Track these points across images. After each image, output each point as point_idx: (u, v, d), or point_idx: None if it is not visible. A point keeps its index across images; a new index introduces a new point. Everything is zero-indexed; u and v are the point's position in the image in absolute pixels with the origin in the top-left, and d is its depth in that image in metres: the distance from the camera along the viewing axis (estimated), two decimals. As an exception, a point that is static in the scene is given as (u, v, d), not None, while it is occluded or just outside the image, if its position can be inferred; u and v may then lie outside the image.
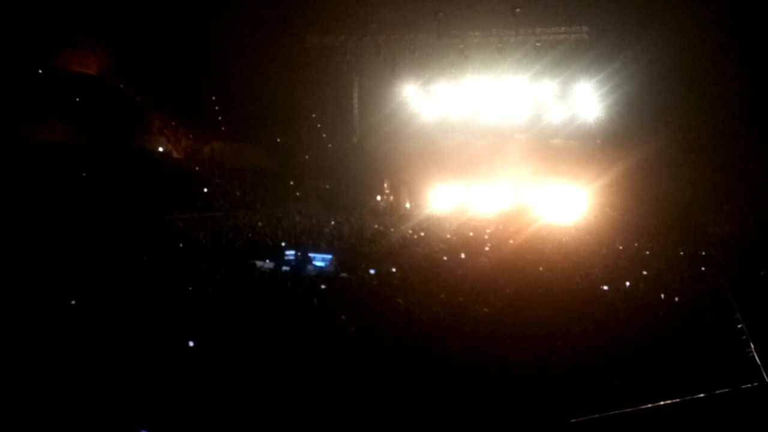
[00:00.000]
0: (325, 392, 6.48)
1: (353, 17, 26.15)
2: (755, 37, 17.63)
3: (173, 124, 35.09)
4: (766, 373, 6.45)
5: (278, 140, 35.64)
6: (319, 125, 34.13)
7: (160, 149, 34.68)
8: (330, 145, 34.14)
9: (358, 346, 7.85)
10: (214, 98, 33.14)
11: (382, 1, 25.22)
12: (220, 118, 34.24)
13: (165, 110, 34.00)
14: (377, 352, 7.61)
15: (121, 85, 32.07)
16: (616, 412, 5.56)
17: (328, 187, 34.42)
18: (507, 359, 7.58)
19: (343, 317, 8.80)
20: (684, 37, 18.64)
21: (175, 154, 35.18)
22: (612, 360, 7.48)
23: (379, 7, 25.42)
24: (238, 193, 33.73)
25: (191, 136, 35.37)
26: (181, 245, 16.81)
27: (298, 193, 35.23)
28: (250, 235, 19.63)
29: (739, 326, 9.15)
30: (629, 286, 12.15)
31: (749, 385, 5.64)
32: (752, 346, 7.73)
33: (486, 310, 9.57)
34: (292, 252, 15.85)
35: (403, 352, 7.64)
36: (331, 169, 33.58)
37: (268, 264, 14.60)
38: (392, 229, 22.66)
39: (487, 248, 17.86)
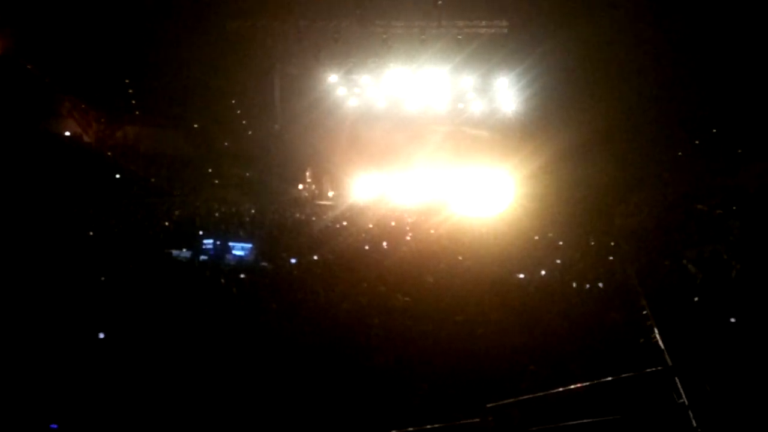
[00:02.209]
0: (246, 384, 6.37)
1: (275, 2, 25.68)
2: (666, 33, 18.49)
3: (84, 106, 33.45)
4: (669, 358, 6.81)
5: (196, 126, 34.62)
6: (239, 111, 33.38)
7: (69, 133, 33.01)
8: (250, 132, 33.49)
9: (278, 336, 7.76)
10: (128, 81, 31.81)
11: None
12: (134, 101, 32.91)
13: (75, 92, 32.36)
14: (298, 342, 7.54)
15: (29, 66, 30.32)
16: (530, 396, 5.73)
17: (248, 174, 33.79)
18: (428, 347, 7.68)
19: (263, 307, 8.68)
20: (597, 34, 19.35)
21: (85, 138, 33.56)
22: (527, 346, 7.70)
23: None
24: (153, 180, 32.58)
25: (103, 119, 33.81)
26: (92, 234, 16.10)
27: (216, 181, 34.38)
28: (166, 223, 19.05)
29: (645, 312, 9.62)
30: (544, 274, 12.55)
31: (653, 369, 5.91)
32: (656, 331, 8.13)
33: (407, 299, 9.66)
34: (210, 241, 15.50)
35: (324, 341, 7.61)
36: (251, 157, 32.97)
37: (185, 253, 14.22)
38: (314, 218, 22.55)
39: (408, 238, 18.02)
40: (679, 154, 25.30)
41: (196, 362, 6.75)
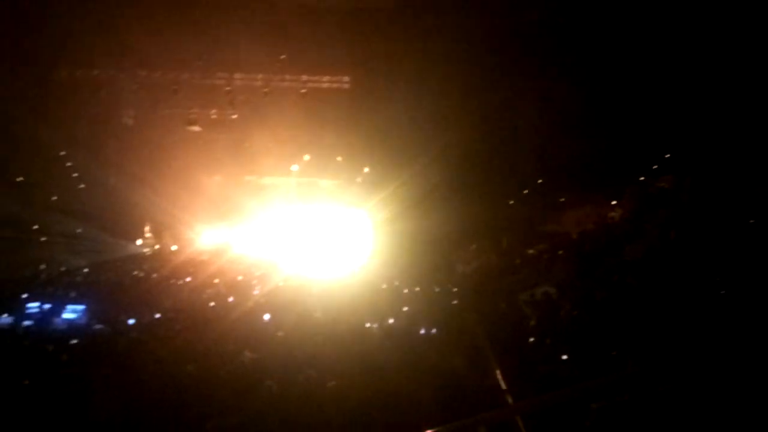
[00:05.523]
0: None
1: (110, 51, 24.59)
2: (503, 88, 19.86)
3: None
4: (510, 397, 7.16)
5: (20, 179, 31.86)
6: (69, 164, 31.22)
7: None
8: (82, 186, 31.40)
9: (116, 406, 7.20)
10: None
11: (143, 36, 24.13)
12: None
13: None
14: (139, 411, 7.05)
15: None
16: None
17: (79, 231, 31.52)
18: (279, 403, 7.50)
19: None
20: (437, 90, 20.45)
21: None
22: (378, 395, 7.75)
23: (139, 41, 24.26)
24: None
25: None
26: None
27: (44, 239, 31.69)
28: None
29: (486, 354, 10.08)
30: (392, 322, 12.80)
31: (496, 412, 6.17)
32: (498, 371, 8.54)
33: (256, 355, 9.42)
34: (37, 304, 14.23)
35: (169, 407, 7.19)
36: (83, 212, 30.82)
37: (6, 319, 12.91)
38: (154, 275, 21.51)
39: (256, 292, 17.68)
40: (510, 203, 27.23)
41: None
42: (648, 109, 18.92)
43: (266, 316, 13.11)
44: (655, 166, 23.81)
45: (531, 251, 22.97)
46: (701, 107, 17.04)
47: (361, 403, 7.43)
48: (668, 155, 22.95)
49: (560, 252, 20.98)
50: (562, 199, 27.36)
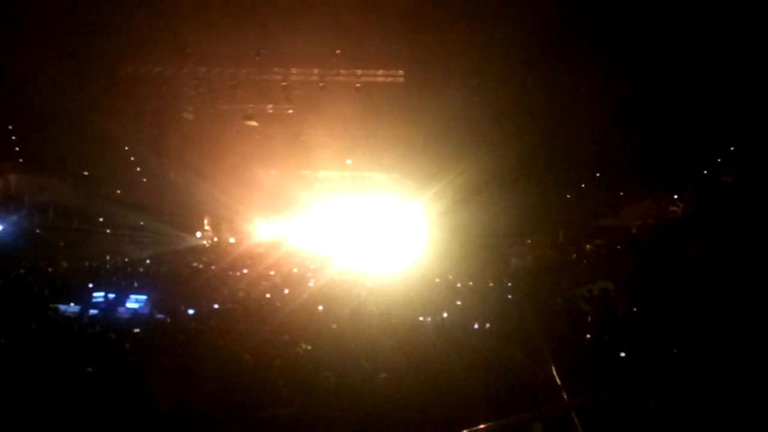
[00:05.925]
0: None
1: (171, 48, 25.25)
2: (561, 81, 19.48)
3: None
4: (566, 393, 7.05)
5: (85, 174, 33.09)
6: (132, 158, 32.24)
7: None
8: (144, 180, 32.39)
9: (176, 393, 7.41)
10: (11, 127, 30.07)
11: (203, 33, 24.68)
12: (17, 148, 31.11)
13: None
14: (198, 397, 7.24)
15: None
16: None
17: (142, 223, 32.59)
18: (332, 395, 7.58)
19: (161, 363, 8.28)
20: (490, 84, 20.21)
21: (-39, 188, 31.34)
22: (431, 388, 7.75)
23: (199, 39, 24.83)
24: (38, 231, 30.72)
25: (-18, 167, 31.72)
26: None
27: (108, 231, 32.87)
28: (51, 276, 17.96)
29: (541, 350, 9.95)
30: (446, 316, 12.77)
31: (552, 408, 6.10)
32: (553, 367, 8.42)
33: (309, 347, 9.54)
34: (101, 294, 14.73)
35: (226, 396, 7.36)
36: (145, 205, 31.85)
37: (73, 308, 13.41)
38: (213, 267, 22.03)
39: (311, 284, 17.89)
40: (567, 197, 26.73)
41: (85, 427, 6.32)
42: (711, 101, 18.22)
43: (321, 308, 13.28)
44: (718, 159, 22.97)
45: (588, 246, 22.57)
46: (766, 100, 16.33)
47: (414, 396, 7.44)
48: (732, 148, 22.09)
49: (619, 247, 20.54)
50: (622, 193, 26.72)
